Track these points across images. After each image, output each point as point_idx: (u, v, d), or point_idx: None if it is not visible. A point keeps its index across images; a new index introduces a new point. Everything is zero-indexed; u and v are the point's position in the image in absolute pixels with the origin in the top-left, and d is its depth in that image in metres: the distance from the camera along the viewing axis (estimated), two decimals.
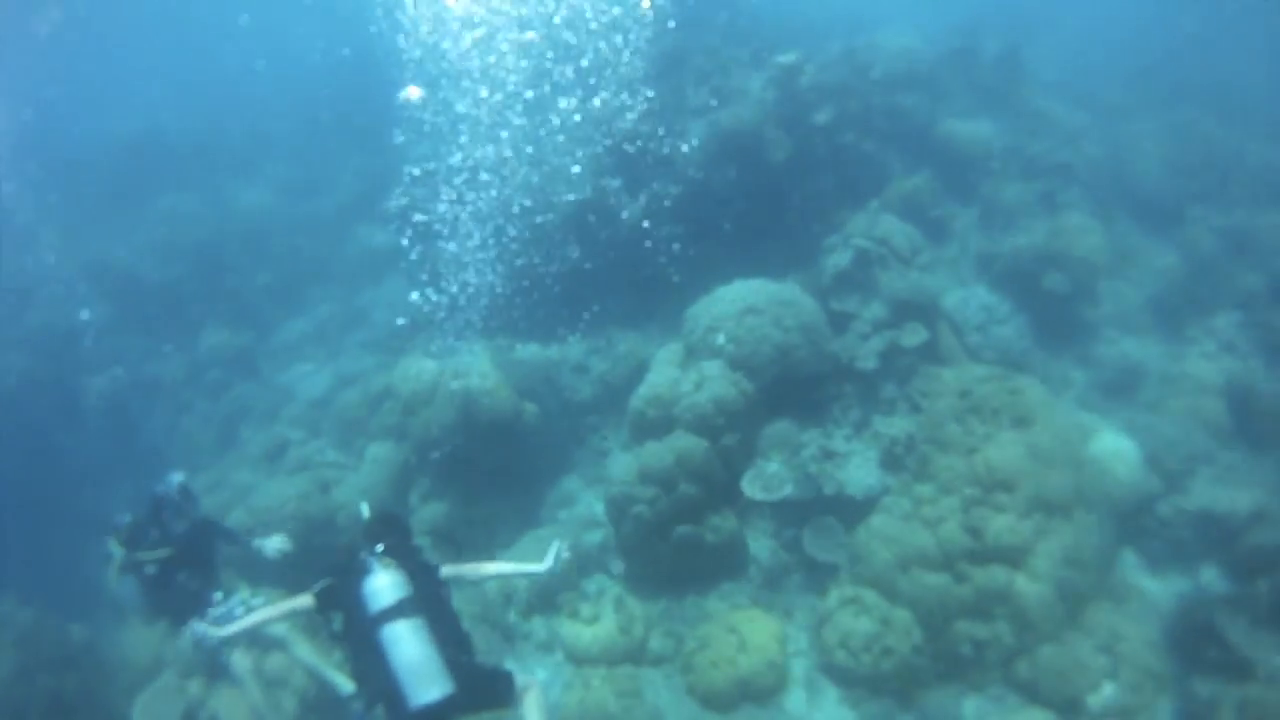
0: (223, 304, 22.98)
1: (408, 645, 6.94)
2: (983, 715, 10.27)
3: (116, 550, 9.49)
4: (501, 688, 7.39)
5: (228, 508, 14.46)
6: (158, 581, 9.50)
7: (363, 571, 7.25)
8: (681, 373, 13.07)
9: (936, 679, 10.54)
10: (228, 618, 9.37)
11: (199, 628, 8.42)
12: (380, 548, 7.43)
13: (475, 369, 14.20)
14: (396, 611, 7.05)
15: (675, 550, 11.96)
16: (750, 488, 12.39)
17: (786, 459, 12.62)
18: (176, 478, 9.73)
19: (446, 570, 7.68)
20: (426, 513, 14.16)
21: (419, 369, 14.53)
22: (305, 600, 7.46)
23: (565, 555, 7.44)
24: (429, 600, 7.28)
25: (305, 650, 9.92)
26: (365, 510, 8.31)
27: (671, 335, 15.21)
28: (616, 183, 16.74)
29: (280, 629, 9.77)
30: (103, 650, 13.51)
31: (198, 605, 9.56)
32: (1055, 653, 10.16)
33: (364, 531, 7.73)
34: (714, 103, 17.35)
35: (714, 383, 12.56)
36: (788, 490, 12.26)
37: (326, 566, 7.64)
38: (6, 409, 19.46)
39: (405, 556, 7.45)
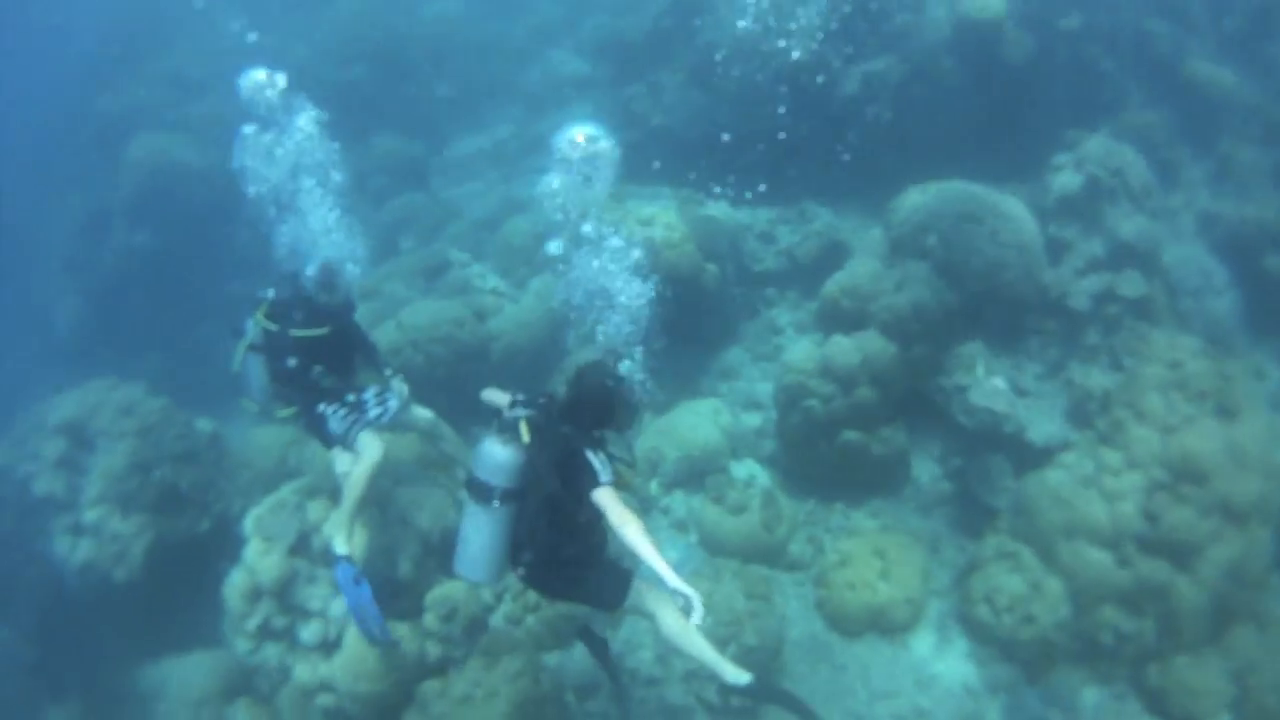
0: (398, 111, 22.34)
1: (469, 529, 6.72)
2: (1100, 710, 9.56)
3: (259, 324, 8.93)
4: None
5: (379, 318, 13.96)
6: (293, 372, 8.87)
7: (490, 432, 6.70)
8: (884, 268, 12.20)
9: (1066, 658, 9.80)
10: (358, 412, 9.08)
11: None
12: (526, 412, 6.65)
13: (661, 218, 13.41)
14: (479, 493, 6.59)
15: (838, 454, 11.38)
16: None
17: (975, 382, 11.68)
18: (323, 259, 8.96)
19: (599, 495, 6.30)
20: (580, 356, 13.23)
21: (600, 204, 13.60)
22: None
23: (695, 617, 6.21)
24: (531, 500, 6.61)
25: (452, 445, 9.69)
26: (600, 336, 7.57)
27: (870, 220, 14.45)
28: (841, 48, 15.55)
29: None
30: (227, 446, 13.39)
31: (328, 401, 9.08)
32: (1189, 666, 9.41)
33: (538, 393, 6.88)
34: None
35: (917, 286, 11.70)
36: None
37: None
38: (171, 186, 19.26)
39: (550, 441, 6.53)
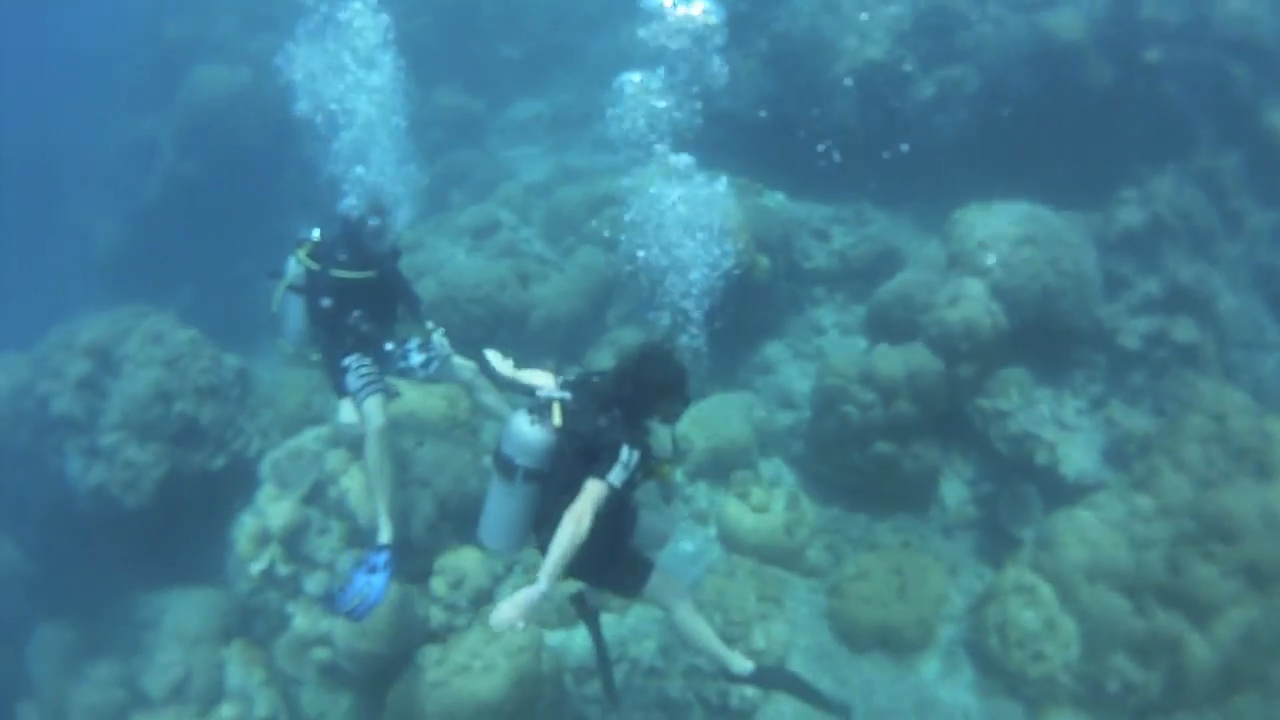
0: (462, 67, 22.15)
1: (492, 500, 6.60)
2: None
3: (300, 264, 8.68)
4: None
5: (421, 272, 13.84)
6: (330, 314, 8.60)
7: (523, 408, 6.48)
8: (940, 281, 11.91)
9: (1069, 700, 9.55)
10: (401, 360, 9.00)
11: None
12: (566, 395, 6.37)
13: (719, 204, 12.97)
14: (503, 468, 6.39)
15: (869, 464, 11.18)
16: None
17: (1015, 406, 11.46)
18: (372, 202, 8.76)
19: (590, 484, 6.01)
20: (623, 335, 13.44)
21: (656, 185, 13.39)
22: None
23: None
24: (555, 482, 6.32)
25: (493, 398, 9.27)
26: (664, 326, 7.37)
27: (927, 230, 14.30)
28: (917, 52, 15.31)
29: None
30: (253, 384, 13.21)
31: (365, 349, 8.87)
32: None
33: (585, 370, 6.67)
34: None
35: (970, 304, 11.37)
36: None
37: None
38: (226, 120, 19.25)
39: (582, 428, 6.25)
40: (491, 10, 24.09)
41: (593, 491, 5.93)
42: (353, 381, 8.69)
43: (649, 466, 6.41)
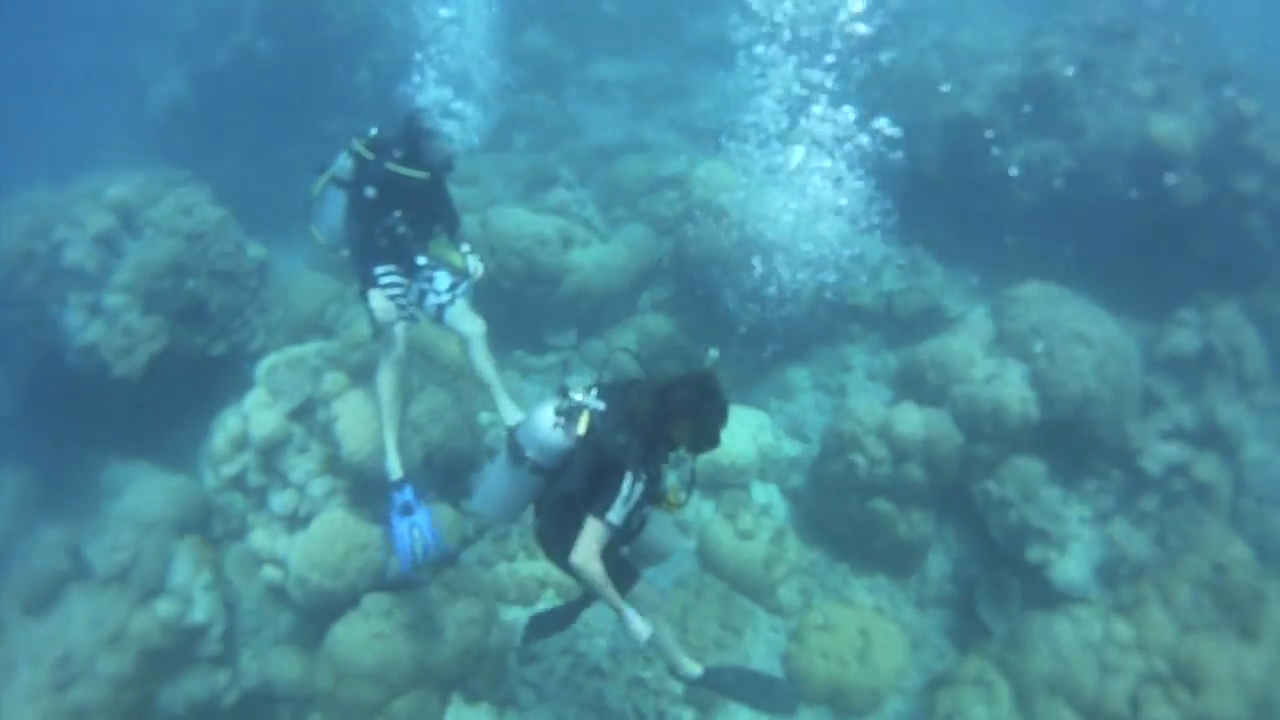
0: (557, 12, 21.78)
1: (494, 474, 6.63)
2: None
3: (354, 152, 8.42)
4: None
5: (467, 207, 13.45)
6: (372, 207, 8.35)
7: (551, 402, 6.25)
8: (983, 355, 11.68)
9: None
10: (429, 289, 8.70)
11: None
12: (599, 406, 6.08)
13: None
14: (513, 451, 6.30)
15: (864, 518, 11.00)
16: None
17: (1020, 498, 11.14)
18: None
19: (590, 522, 5.89)
20: (651, 321, 13.25)
21: (723, 179, 13.11)
22: None
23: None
24: (559, 484, 6.16)
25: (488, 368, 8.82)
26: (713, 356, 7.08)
27: (979, 295, 14.16)
28: (1015, 116, 15.01)
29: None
30: (271, 279, 13.07)
31: (398, 255, 8.61)
32: None
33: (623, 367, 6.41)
34: (1147, 93, 15.32)
35: (1006, 387, 11.15)
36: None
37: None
38: (310, 5, 19.07)
39: (601, 446, 5.95)
40: None
41: (592, 532, 5.80)
42: (377, 299, 8.41)
43: (656, 494, 6.14)
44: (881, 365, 13.74)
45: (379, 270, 8.48)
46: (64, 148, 20.77)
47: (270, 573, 9.16)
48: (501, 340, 10.84)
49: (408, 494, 8.09)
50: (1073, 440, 11.67)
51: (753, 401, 13.00)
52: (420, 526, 7.94)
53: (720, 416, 6.02)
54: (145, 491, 10.31)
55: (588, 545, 5.77)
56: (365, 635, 8.55)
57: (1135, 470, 11.80)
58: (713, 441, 6.11)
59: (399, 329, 8.52)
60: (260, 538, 9.27)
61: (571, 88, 21.26)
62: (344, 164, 8.44)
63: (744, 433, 11.99)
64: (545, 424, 6.11)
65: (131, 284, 11.22)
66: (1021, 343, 11.79)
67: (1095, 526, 11.39)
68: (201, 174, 12.98)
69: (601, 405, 6.05)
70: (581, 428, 5.99)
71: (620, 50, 22.62)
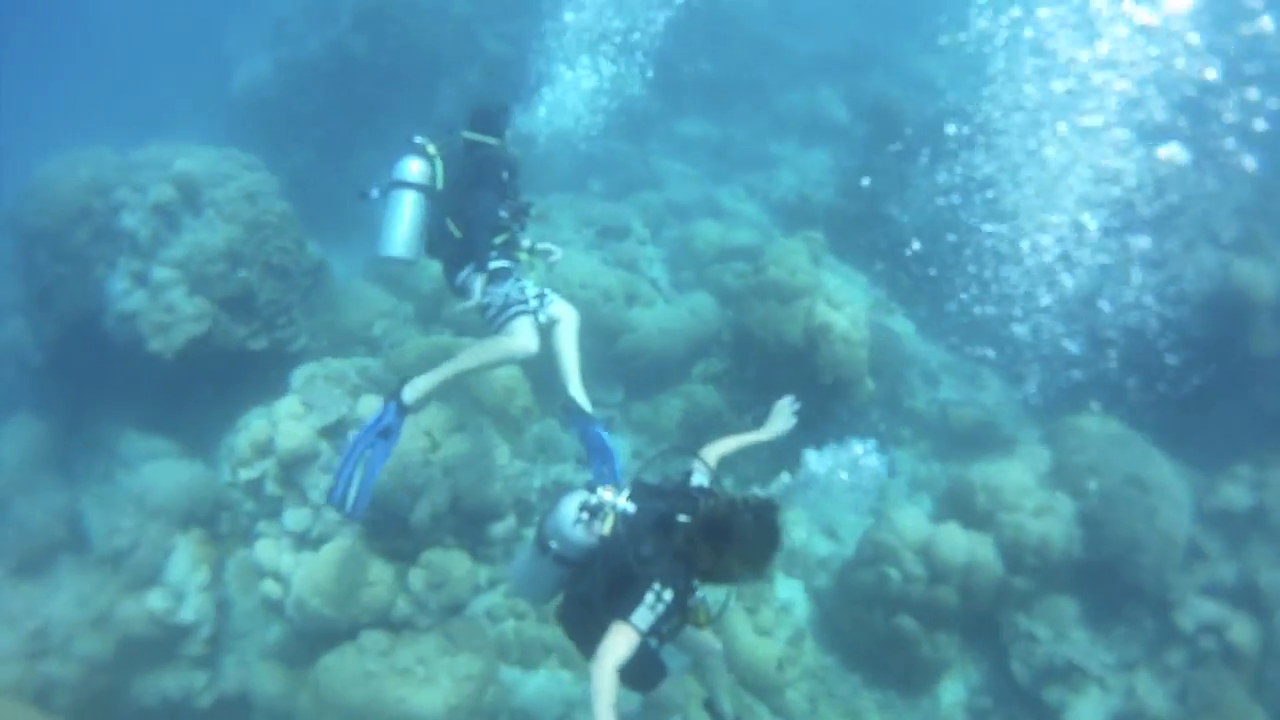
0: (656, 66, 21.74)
1: (523, 555, 6.22)
2: None
3: (427, 158, 8.01)
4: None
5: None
6: (497, 194, 8.00)
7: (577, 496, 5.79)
8: (1037, 485, 11.32)
9: None
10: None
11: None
12: (629, 509, 5.52)
13: (849, 309, 12.42)
14: (538, 540, 5.91)
15: (887, 633, 10.53)
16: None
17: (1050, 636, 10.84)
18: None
19: (615, 628, 5.09)
20: (701, 392, 12.79)
21: (795, 261, 12.76)
22: None
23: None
24: (585, 575, 5.69)
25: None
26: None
27: (1036, 415, 13.69)
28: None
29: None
30: (325, 281, 12.82)
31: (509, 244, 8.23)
32: None
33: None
34: (1231, 236, 15.01)
35: (1055, 522, 10.81)
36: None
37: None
38: (410, 12, 19.09)
39: (624, 555, 5.36)
40: (706, 19, 23.74)
41: (618, 638, 5.07)
42: (497, 293, 7.98)
43: (686, 609, 5.63)
44: (927, 474, 13.34)
45: (497, 265, 8.06)
46: (144, 110, 20.79)
47: (270, 587, 8.84)
48: (546, 387, 10.55)
49: (393, 420, 7.50)
50: (1110, 583, 11.36)
51: (792, 486, 12.57)
52: (374, 462, 7.39)
53: (769, 556, 5.51)
54: (157, 475, 10.05)
55: (610, 653, 4.99)
56: (357, 671, 8.18)
57: (1168, 622, 11.46)
58: (758, 576, 5.66)
59: (527, 323, 8.01)
60: (266, 550, 8.95)
61: (655, 140, 21.06)
62: (411, 168, 7.97)
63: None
64: (568, 520, 5.66)
65: (182, 262, 10.99)
66: (1077, 478, 11.49)
67: (1119, 675, 11.05)
68: (273, 163, 12.77)
69: (631, 508, 5.60)
70: (605, 528, 5.57)
71: (706, 109, 22.48)
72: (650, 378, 12.99)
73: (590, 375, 8.25)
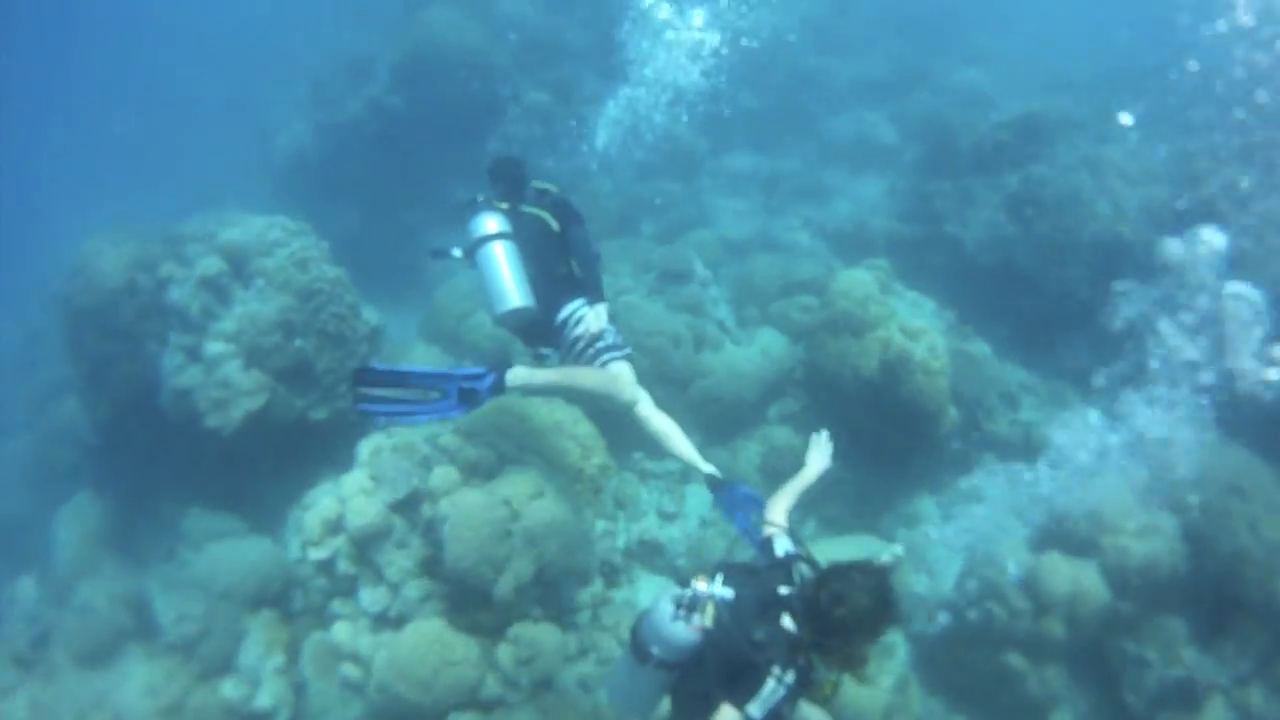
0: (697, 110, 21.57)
1: (622, 670, 5.86)
2: None
3: (495, 210, 7.95)
4: None
5: None
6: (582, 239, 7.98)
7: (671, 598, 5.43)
8: (1137, 505, 10.75)
9: None
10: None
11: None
12: (727, 595, 5.21)
13: (927, 338, 12.03)
14: (637, 649, 5.58)
15: (992, 669, 10.14)
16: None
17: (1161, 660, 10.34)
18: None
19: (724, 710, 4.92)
20: (778, 434, 12.42)
21: (864, 291, 12.36)
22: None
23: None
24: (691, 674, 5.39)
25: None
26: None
27: None
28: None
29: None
30: (381, 345, 12.58)
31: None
32: None
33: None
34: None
35: (1160, 541, 10.37)
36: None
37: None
38: (447, 67, 18.76)
39: (732, 641, 5.05)
40: (744, 54, 23.56)
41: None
42: (609, 328, 7.98)
43: (809, 685, 5.23)
44: (1014, 500, 12.83)
45: (597, 308, 8.00)
46: (186, 180, 20.80)
47: (350, 670, 8.45)
48: (621, 440, 10.27)
49: (483, 397, 7.28)
50: (1219, 600, 10.87)
51: (879, 529, 12.24)
52: (427, 413, 7.23)
53: (884, 623, 5.06)
54: (223, 556, 9.88)
55: None
56: None
57: (1278, 635, 10.89)
58: (871, 649, 5.22)
59: (628, 369, 7.94)
60: (344, 631, 8.57)
61: (704, 177, 20.79)
62: (489, 225, 7.84)
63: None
64: (665, 620, 5.31)
65: (235, 335, 10.76)
66: (1177, 494, 10.96)
67: (1228, 693, 10.53)
68: (320, 227, 12.56)
69: (729, 594, 5.24)
70: (707, 620, 5.20)
71: (754, 142, 22.22)
72: (725, 422, 12.64)
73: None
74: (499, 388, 7.28)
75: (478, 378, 7.21)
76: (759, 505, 6.95)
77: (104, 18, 36.13)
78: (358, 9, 21.84)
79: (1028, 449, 13.13)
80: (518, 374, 7.38)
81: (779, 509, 6.10)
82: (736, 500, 7.42)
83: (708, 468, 7.77)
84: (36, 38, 38.00)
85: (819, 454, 6.79)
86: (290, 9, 26.11)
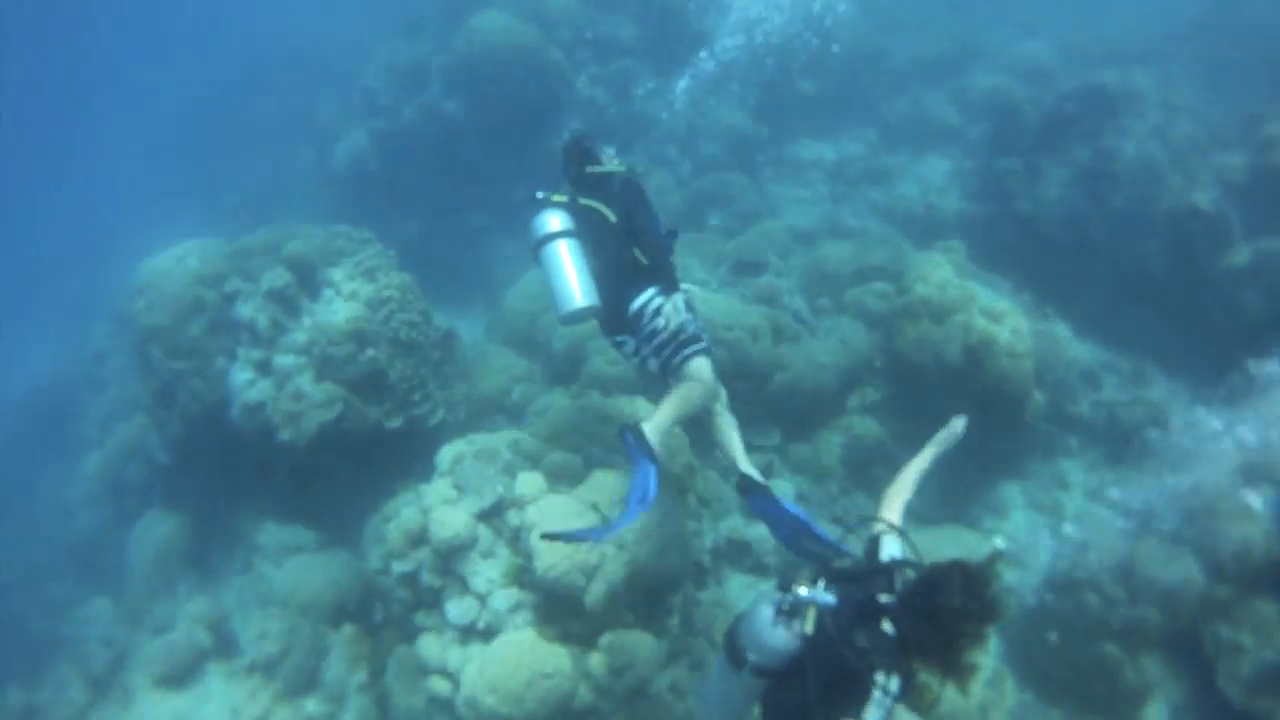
0: (755, 93, 21.16)
1: (714, 679, 5.62)
2: None
3: (558, 206, 7.74)
4: None
5: None
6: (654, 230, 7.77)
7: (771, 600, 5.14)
8: (1230, 487, 10.35)
9: None
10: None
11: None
12: (829, 600, 4.90)
13: (1010, 320, 11.82)
14: (731, 654, 5.34)
15: (1087, 661, 9.86)
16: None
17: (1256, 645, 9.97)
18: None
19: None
20: (860, 425, 12.25)
21: (940, 275, 12.12)
22: None
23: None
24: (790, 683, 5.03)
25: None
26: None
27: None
28: (1244, 210, 14.04)
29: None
30: (454, 351, 12.58)
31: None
32: None
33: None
34: None
35: (1256, 523, 10.01)
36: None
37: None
38: (502, 70, 18.57)
39: (835, 648, 4.74)
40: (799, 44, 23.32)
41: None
42: (689, 318, 7.70)
43: (912, 689, 5.01)
44: (1101, 484, 12.56)
45: (684, 295, 7.80)
46: (248, 194, 20.81)
47: (438, 685, 8.24)
48: (702, 437, 9.95)
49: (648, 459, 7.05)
50: None
51: (967, 519, 12.03)
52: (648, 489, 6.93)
53: (992, 625, 4.84)
54: (302, 570, 9.88)
55: None
56: None
57: None
58: (971, 672, 5.00)
59: (706, 365, 7.76)
60: (430, 645, 8.34)
61: (767, 167, 20.57)
62: (551, 223, 7.60)
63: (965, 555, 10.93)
64: (765, 625, 5.05)
65: (305, 347, 10.73)
66: (1273, 469, 10.53)
67: None
68: (383, 235, 12.57)
69: (832, 599, 5.04)
70: (809, 626, 5.01)
71: (816, 129, 21.92)
72: (806, 415, 12.42)
73: (745, 419, 7.79)
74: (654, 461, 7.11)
75: (645, 479, 6.99)
76: (807, 528, 6.82)
77: (160, 40, 36.68)
78: (407, 20, 21.72)
79: (1112, 431, 12.89)
80: (651, 431, 7.21)
81: (895, 503, 5.78)
82: (782, 517, 7.13)
83: (748, 468, 7.56)
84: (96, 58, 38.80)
85: (945, 436, 6.45)
86: (340, 28, 26.10)
